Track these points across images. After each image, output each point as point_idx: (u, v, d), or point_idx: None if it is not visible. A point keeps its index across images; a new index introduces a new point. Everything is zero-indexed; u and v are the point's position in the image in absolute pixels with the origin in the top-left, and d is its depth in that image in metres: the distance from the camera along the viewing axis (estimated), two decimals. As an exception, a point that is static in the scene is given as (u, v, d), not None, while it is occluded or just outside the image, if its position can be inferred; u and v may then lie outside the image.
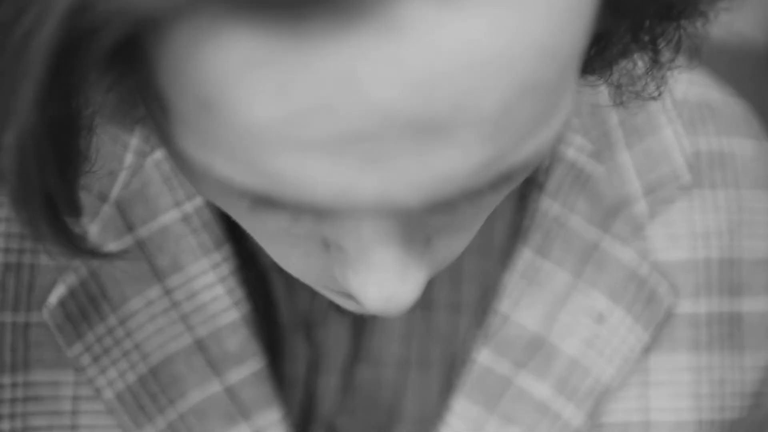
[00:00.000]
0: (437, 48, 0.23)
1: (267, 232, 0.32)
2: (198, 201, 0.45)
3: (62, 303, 0.44)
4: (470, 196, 0.28)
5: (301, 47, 0.23)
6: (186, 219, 0.45)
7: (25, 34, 0.24)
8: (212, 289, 0.45)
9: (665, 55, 0.33)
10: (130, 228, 0.44)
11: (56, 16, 0.23)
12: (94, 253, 0.32)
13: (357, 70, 0.23)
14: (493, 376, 0.47)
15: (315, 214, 0.28)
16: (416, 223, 0.31)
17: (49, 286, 0.44)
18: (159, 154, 0.44)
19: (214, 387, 0.46)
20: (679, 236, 0.48)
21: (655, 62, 0.33)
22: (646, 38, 0.32)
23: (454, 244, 0.34)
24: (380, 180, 0.26)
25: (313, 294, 0.47)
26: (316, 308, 0.48)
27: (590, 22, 0.27)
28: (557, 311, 0.47)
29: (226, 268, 0.45)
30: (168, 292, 0.45)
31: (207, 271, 0.45)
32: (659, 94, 0.36)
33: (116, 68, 0.26)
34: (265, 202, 0.28)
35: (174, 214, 0.45)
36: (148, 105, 0.29)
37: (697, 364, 0.48)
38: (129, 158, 0.44)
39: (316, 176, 0.26)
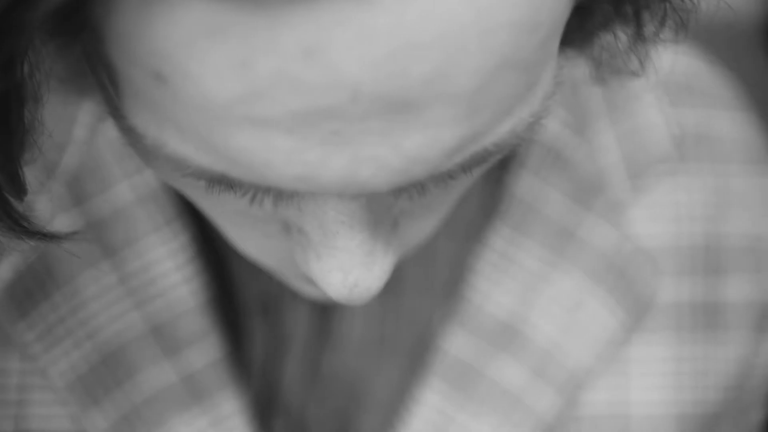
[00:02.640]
0: (410, 18, 0.22)
1: (224, 213, 0.31)
2: (150, 177, 0.44)
3: (9, 286, 0.43)
4: (441, 178, 0.27)
5: (266, 14, 0.22)
6: (139, 197, 0.44)
7: None
8: (168, 272, 0.44)
9: (649, 28, 0.31)
10: (79, 202, 0.43)
11: None
12: (42, 234, 0.30)
13: (325, 42, 0.22)
14: (464, 364, 0.46)
15: (275, 196, 0.27)
16: (383, 206, 0.30)
17: None
18: (110, 129, 0.42)
19: (170, 375, 0.44)
20: (663, 217, 0.47)
21: (639, 36, 0.31)
22: (630, 10, 0.30)
23: (422, 227, 0.33)
24: (346, 160, 0.25)
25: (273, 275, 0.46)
26: (277, 290, 0.46)
27: None
28: (533, 294, 0.46)
29: (183, 250, 0.44)
30: (121, 276, 0.44)
31: (162, 252, 0.44)
32: (642, 71, 0.33)
33: (63, 33, 0.25)
34: (221, 182, 0.27)
35: (125, 191, 0.44)
36: (98, 76, 0.27)
37: (678, 355, 0.47)
38: (78, 131, 0.43)
39: (278, 156, 0.25)
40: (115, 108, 0.28)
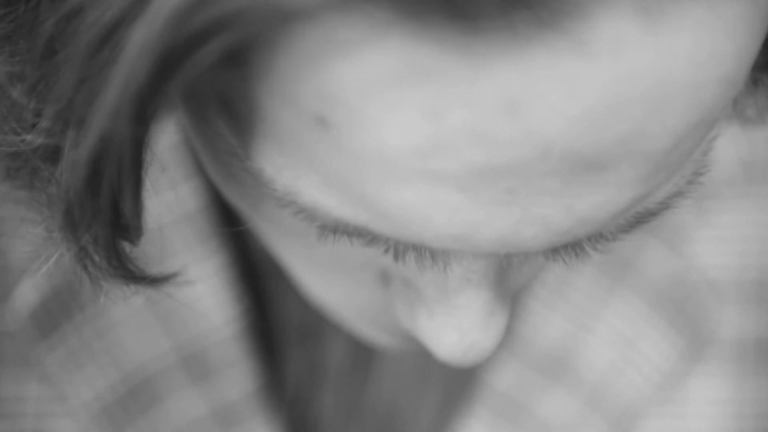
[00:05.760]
0: (623, 73, 0.20)
1: (312, 258, 0.29)
2: (185, 195, 0.42)
3: (33, 312, 0.41)
4: (598, 239, 0.25)
5: (470, 62, 0.20)
6: (172, 215, 0.42)
7: (125, 35, 0.20)
8: (201, 296, 0.42)
9: None
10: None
11: (165, 14, 0.19)
12: (149, 279, 0.28)
13: (529, 96, 0.20)
14: (510, 398, 0.44)
15: (417, 254, 0.25)
16: (511, 261, 0.28)
17: (14, 287, 0.41)
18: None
19: (199, 407, 0.43)
20: (729, 246, 0.45)
21: (759, 83, 0.29)
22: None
23: (526, 277, 0.30)
24: (512, 221, 0.22)
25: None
26: (316, 317, 0.44)
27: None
28: (588, 322, 0.44)
29: (217, 273, 0.42)
30: (150, 299, 0.42)
31: (195, 274, 0.42)
32: (762, 120, 0.31)
33: (215, 74, 0.22)
34: (353, 234, 0.24)
35: (157, 208, 0.41)
36: (224, 112, 0.24)
37: (740, 395, 0.45)
38: None
39: (440, 213, 0.22)
40: (234, 148, 0.25)
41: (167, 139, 0.41)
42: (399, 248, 0.25)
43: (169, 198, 0.41)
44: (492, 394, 0.44)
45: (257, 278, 0.44)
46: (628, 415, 0.44)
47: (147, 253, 0.41)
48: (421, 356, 0.45)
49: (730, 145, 0.45)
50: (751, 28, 0.22)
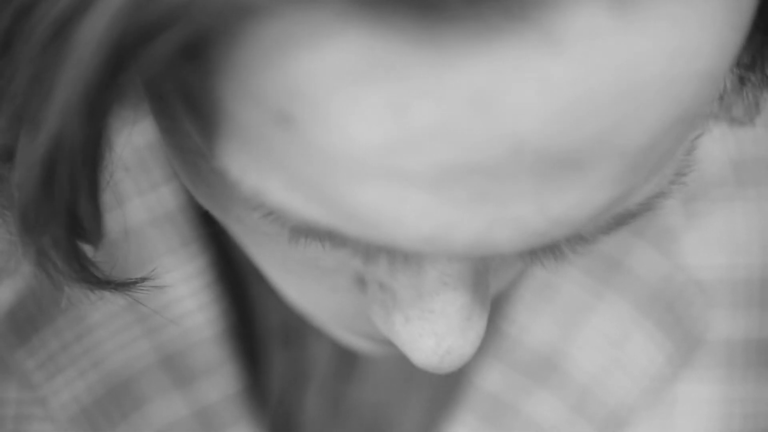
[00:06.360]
0: (595, 66, 0.19)
1: (286, 263, 0.28)
2: (167, 195, 0.41)
3: (9, 312, 0.40)
4: (577, 240, 0.24)
5: (432, 58, 0.19)
6: (153, 216, 0.41)
7: (76, 28, 0.19)
8: (182, 298, 0.41)
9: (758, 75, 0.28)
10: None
11: (115, 6, 0.19)
12: (111, 283, 0.27)
13: (498, 90, 0.19)
14: (497, 399, 0.44)
15: (390, 257, 0.24)
16: (489, 265, 0.27)
17: None
18: (122, 140, 0.39)
19: (180, 409, 0.42)
20: (718, 247, 0.44)
21: (746, 81, 0.28)
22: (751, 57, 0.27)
23: (504, 279, 0.30)
24: (484, 222, 0.22)
25: None
26: (299, 319, 0.44)
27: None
28: (575, 325, 0.43)
29: (199, 275, 0.41)
30: (131, 301, 0.41)
31: (176, 276, 0.41)
32: (750, 120, 0.30)
33: (175, 70, 0.21)
34: (323, 237, 0.23)
35: (138, 209, 0.41)
36: (188, 110, 0.24)
37: (729, 395, 0.45)
38: None
39: (410, 214, 0.22)
40: (198, 147, 0.24)
41: (146, 140, 0.41)
42: (370, 251, 0.24)
43: (151, 199, 0.41)
44: (479, 396, 0.43)
45: (240, 280, 0.44)
46: (616, 416, 0.43)
47: (130, 254, 0.40)
48: (405, 359, 0.44)
49: (719, 146, 0.45)
50: (729, 22, 0.21)
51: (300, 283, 0.29)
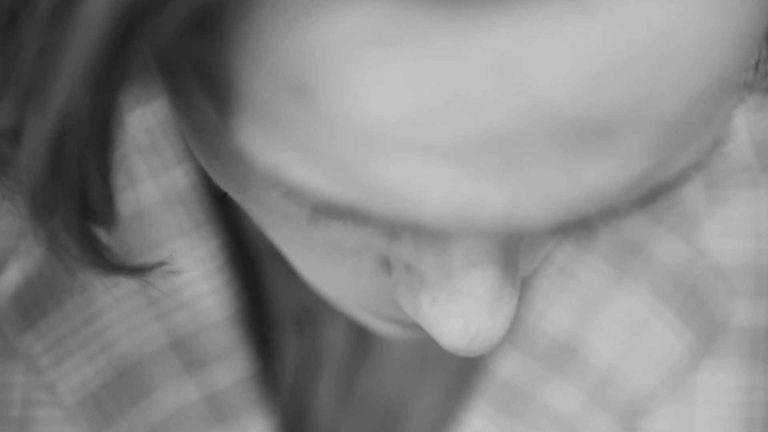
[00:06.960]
0: (628, 28, 0.18)
1: (307, 244, 0.27)
2: (179, 177, 0.40)
3: (17, 294, 0.39)
4: (610, 214, 0.23)
5: (451, 24, 0.18)
6: (166, 198, 0.40)
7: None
8: (194, 280, 0.41)
9: None
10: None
11: None
12: (125, 268, 0.27)
13: (522, 54, 0.18)
14: (513, 386, 0.43)
15: (415, 235, 0.23)
16: (518, 243, 0.26)
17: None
18: (134, 120, 0.38)
19: (191, 394, 0.41)
20: (741, 232, 0.44)
21: None
22: None
23: (535, 259, 0.29)
24: (512, 196, 0.21)
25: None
26: (313, 302, 0.43)
27: None
28: (594, 313, 0.43)
29: (212, 258, 0.41)
30: (142, 284, 0.40)
31: (189, 259, 0.40)
32: None
33: (187, 41, 0.21)
34: (345, 215, 0.22)
35: (150, 190, 0.40)
36: (202, 86, 0.23)
37: (751, 384, 0.44)
38: None
39: (435, 189, 0.20)
40: (213, 124, 0.24)
41: (158, 120, 0.40)
42: (395, 229, 0.23)
43: (164, 181, 0.40)
44: (495, 383, 0.43)
45: (253, 264, 0.43)
46: (634, 405, 0.43)
47: (142, 237, 0.40)
48: (422, 343, 0.44)
49: (742, 131, 0.44)
50: None
51: (322, 266, 0.28)
